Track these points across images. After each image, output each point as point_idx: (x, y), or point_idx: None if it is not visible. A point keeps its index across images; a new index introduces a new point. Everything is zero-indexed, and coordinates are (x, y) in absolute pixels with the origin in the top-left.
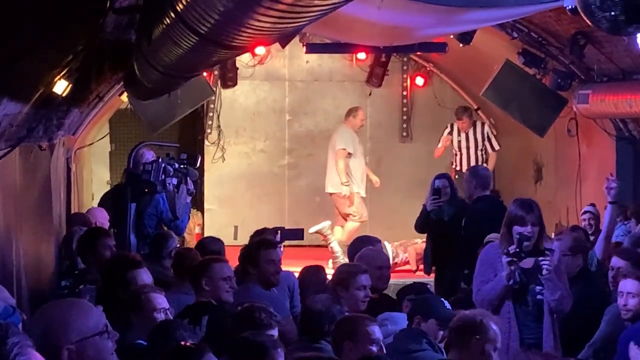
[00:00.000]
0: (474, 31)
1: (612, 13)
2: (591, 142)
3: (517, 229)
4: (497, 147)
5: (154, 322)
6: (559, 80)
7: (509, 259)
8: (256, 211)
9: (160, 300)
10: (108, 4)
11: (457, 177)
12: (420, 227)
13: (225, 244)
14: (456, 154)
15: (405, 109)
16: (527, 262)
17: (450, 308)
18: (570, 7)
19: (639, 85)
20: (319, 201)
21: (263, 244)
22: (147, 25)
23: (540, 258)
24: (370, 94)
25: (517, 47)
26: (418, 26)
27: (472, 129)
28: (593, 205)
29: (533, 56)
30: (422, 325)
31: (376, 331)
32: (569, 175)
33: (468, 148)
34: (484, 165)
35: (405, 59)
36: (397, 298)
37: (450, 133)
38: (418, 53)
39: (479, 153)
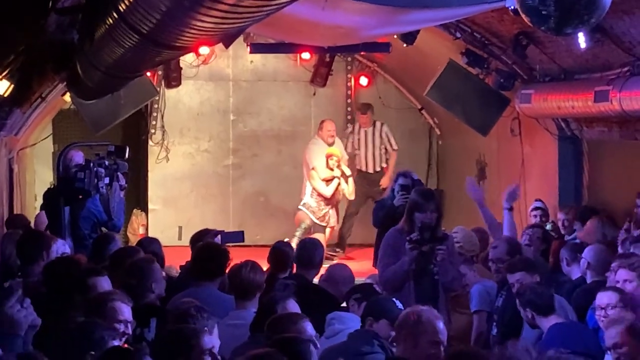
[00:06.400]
0: (418, 31)
1: (551, 14)
2: (534, 141)
3: (418, 215)
4: (395, 147)
5: (114, 331)
6: (502, 80)
7: (411, 245)
8: (200, 211)
9: (126, 311)
10: (50, 4)
11: (358, 177)
12: (381, 221)
13: (169, 244)
14: (356, 154)
15: (349, 109)
16: (426, 247)
17: (402, 308)
18: (512, 7)
19: (581, 85)
20: (263, 201)
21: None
22: (90, 26)
23: (437, 245)
24: (314, 94)
25: (460, 47)
26: (362, 26)
27: (372, 127)
28: (541, 200)
29: (476, 56)
30: (374, 326)
31: (308, 328)
32: (512, 174)
33: (366, 146)
34: (385, 164)
35: (349, 59)
36: (344, 298)
37: (352, 132)
38: (362, 53)
39: (381, 152)
